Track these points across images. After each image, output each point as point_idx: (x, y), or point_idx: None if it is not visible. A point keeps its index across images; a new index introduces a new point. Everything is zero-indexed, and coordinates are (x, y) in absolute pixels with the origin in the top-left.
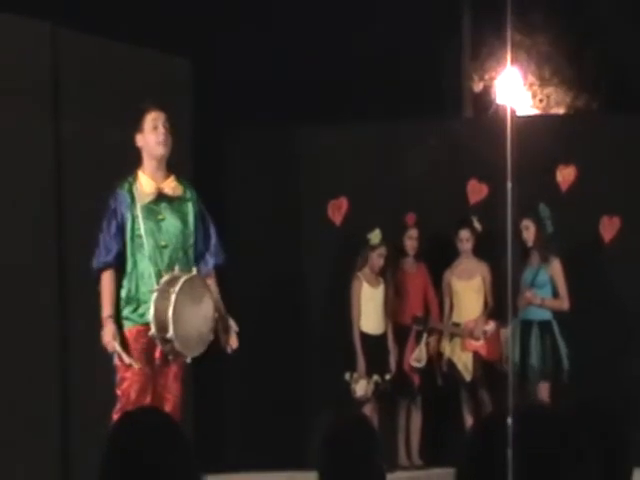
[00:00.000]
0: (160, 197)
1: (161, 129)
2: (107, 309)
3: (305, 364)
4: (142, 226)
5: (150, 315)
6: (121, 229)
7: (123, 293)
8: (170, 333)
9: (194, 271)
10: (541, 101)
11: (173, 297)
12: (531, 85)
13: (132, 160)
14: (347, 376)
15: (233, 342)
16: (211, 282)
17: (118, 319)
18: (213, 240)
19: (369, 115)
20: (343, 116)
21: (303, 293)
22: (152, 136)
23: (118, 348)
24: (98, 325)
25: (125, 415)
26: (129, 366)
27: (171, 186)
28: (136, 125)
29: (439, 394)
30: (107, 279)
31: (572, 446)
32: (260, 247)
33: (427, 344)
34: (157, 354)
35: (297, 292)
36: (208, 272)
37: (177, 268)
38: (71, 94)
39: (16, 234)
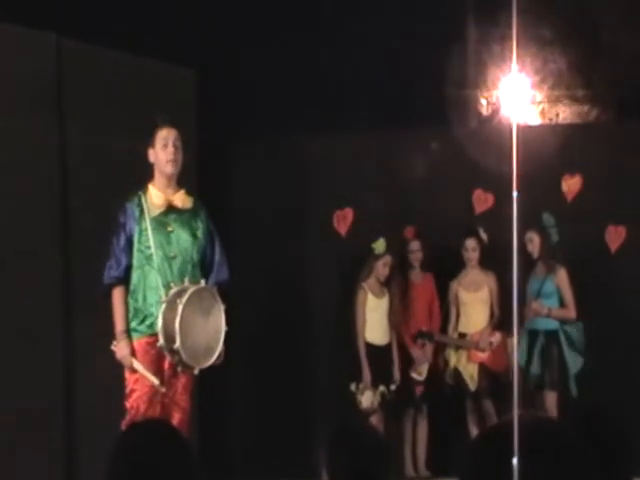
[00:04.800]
0: (169, 209)
1: (170, 148)
2: (120, 324)
3: (310, 374)
4: (151, 238)
5: (158, 326)
6: (130, 242)
7: (130, 305)
8: (177, 344)
9: (202, 282)
10: (547, 115)
11: (180, 308)
12: (540, 103)
13: (137, 170)
14: (353, 387)
15: None
16: None
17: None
18: (217, 257)
19: (374, 125)
20: (348, 126)
21: (308, 303)
22: (162, 154)
23: (136, 364)
24: (104, 337)
25: (131, 427)
26: (135, 373)
27: (181, 199)
28: (148, 140)
29: (445, 404)
30: (118, 294)
31: (574, 454)
32: (265, 258)
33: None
34: (166, 365)
35: (302, 302)
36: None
37: (186, 280)
38: (76, 104)
39: (21, 242)
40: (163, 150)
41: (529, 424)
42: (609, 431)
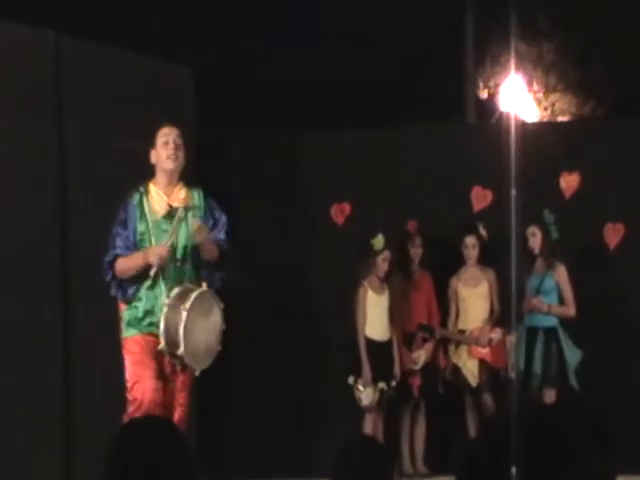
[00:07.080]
0: (170, 213)
1: (171, 144)
2: (138, 254)
3: (309, 370)
4: (153, 241)
5: (160, 329)
6: (133, 235)
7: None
8: (181, 350)
9: (204, 285)
10: (546, 109)
11: (184, 314)
12: (536, 92)
13: (135, 168)
14: (351, 379)
15: None
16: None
17: (127, 328)
18: (220, 225)
19: (373, 120)
20: (347, 120)
21: (306, 298)
22: (162, 151)
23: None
24: (103, 331)
25: (129, 423)
26: (135, 365)
27: (180, 198)
28: (149, 141)
29: (443, 401)
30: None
31: (570, 450)
32: (263, 251)
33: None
34: (166, 361)
35: (300, 297)
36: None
37: (186, 281)
38: (75, 102)
39: (20, 240)
40: (164, 147)
41: (528, 411)
42: (591, 422)
